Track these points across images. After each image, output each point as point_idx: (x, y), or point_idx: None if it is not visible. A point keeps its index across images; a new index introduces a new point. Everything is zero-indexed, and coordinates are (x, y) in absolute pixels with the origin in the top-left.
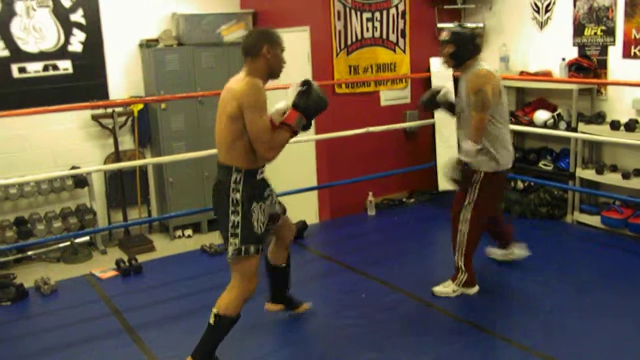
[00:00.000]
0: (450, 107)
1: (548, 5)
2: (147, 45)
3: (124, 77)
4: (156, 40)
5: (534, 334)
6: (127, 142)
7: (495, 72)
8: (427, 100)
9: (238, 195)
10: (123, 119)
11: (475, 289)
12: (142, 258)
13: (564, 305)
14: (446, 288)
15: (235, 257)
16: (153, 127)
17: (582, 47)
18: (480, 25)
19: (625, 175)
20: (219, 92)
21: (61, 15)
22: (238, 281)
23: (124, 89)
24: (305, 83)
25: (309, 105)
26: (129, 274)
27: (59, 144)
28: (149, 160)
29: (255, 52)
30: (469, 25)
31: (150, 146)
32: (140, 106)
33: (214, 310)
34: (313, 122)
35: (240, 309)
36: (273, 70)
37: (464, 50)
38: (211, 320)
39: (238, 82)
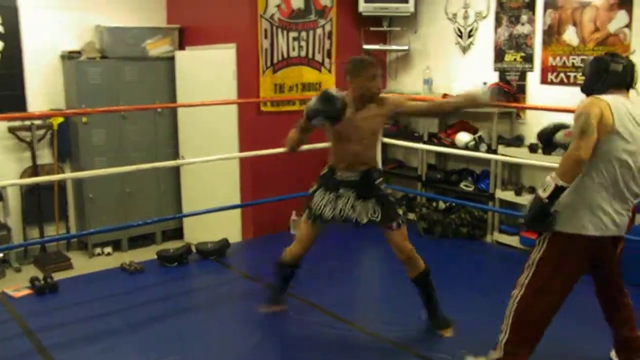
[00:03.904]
0: None
1: (471, 31)
2: (69, 57)
3: (43, 89)
4: (79, 52)
5: (444, 347)
6: (45, 156)
7: (621, 106)
8: (544, 140)
9: (317, 179)
10: (42, 132)
11: None
12: (58, 276)
13: (484, 323)
14: None
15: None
16: (73, 141)
17: (502, 72)
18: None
19: None
20: (143, 106)
21: None
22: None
23: (44, 101)
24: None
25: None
26: (44, 293)
27: None
28: (68, 175)
29: (346, 80)
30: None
31: (70, 161)
32: (61, 119)
33: None
34: (236, 139)
35: (288, 259)
36: (362, 93)
37: (591, 80)
38: None
39: None
